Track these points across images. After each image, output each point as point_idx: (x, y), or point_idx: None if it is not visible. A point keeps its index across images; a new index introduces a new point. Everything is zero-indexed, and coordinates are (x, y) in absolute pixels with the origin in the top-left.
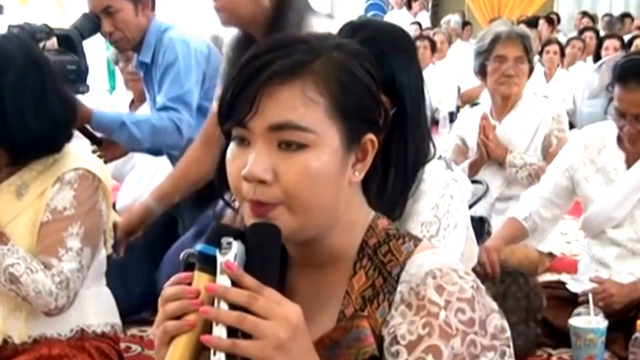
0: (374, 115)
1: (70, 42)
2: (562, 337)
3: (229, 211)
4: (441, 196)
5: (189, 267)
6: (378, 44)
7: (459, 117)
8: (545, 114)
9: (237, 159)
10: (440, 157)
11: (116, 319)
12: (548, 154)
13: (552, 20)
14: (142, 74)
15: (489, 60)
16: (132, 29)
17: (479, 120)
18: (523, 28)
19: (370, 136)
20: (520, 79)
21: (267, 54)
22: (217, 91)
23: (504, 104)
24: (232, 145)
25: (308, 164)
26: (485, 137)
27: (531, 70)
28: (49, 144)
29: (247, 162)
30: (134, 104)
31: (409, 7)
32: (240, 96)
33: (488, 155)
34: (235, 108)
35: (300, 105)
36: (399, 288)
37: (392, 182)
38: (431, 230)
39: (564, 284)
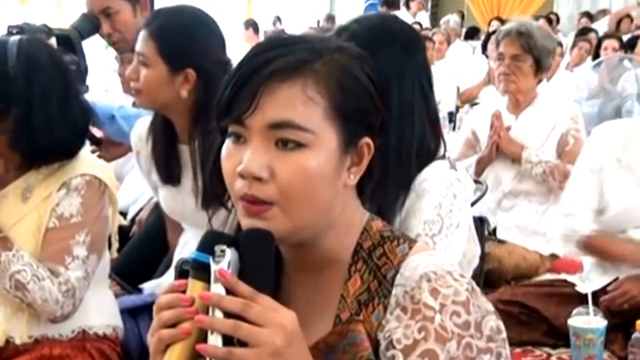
0: (372, 119)
1: (69, 43)
2: (561, 336)
3: None
4: (444, 195)
5: (183, 274)
6: (366, 36)
7: (472, 111)
8: (562, 113)
9: (232, 157)
10: (444, 157)
11: (118, 321)
12: (564, 152)
13: (551, 21)
14: None
15: (496, 58)
16: (131, 30)
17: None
18: (532, 26)
19: (367, 140)
20: (518, 77)
21: (268, 52)
22: None
23: (515, 100)
24: (228, 143)
25: (305, 164)
26: (497, 136)
27: (539, 68)
28: (67, 150)
29: (242, 160)
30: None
31: (407, 7)
32: (240, 92)
33: (497, 152)
34: (234, 104)
35: (300, 104)
36: (394, 291)
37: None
38: (434, 228)
39: (567, 282)
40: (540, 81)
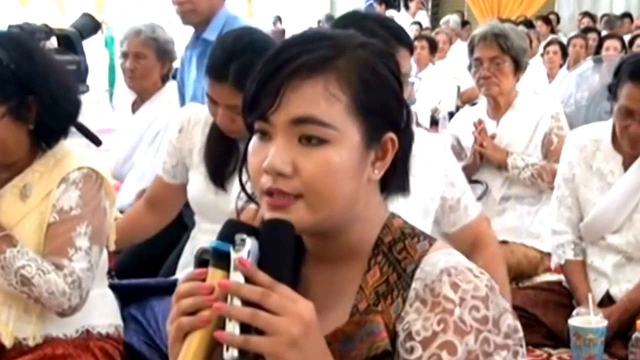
0: (395, 114)
1: (69, 42)
2: (561, 340)
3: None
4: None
5: (202, 263)
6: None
7: (454, 117)
8: (543, 112)
9: (258, 153)
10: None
11: (119, 320)
12: (549, 152)
13: (550, 21)
14: (199, 51)
15: (472, 64)
16: (204, 4)
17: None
18: (505, 27)
19: (391, 135)
20: (499, 78)
21: (292, 48)
22: None
23: (496, 103)
24: (254, 139)
25: (328, 159)
26: (480, 145)
27: (518, 68)
28: (72, 122)
29: (267, 156)
30: (136, 105)
31: (406, 7)
32: (264, 89)
33: (481, 160)
34: (259, 101)
35: (323, 100)
36: (413, 285)
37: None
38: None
39: (565, 287)
40: (518, 80)
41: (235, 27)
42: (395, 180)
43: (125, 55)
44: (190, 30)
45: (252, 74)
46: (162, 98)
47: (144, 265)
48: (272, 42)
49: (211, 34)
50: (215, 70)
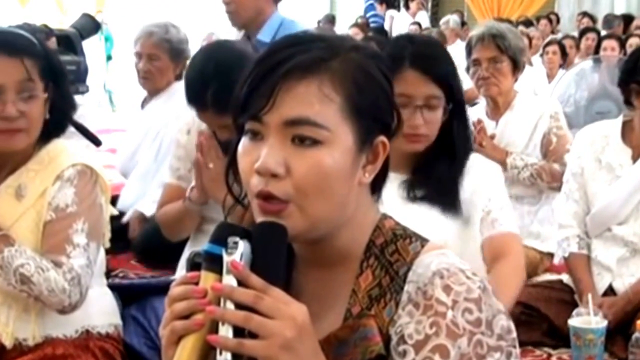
0: (387, 117)
1: (69, 42)
2: (562, 337)
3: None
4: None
5: (195, 266)
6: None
7: None
8: (542, 111)
9: (249, 153)
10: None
11: (118, 320)
12: (548, 152)
13: (551, 21)
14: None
15: (470, 65)
16: (248, 6)
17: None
18: (502, 27)
19: (382, 138)
20: (498, 78)
21: (286, 49)
22: None
23: (495, 104)
24: (245, 140)
25: (320, 160)
26: (479, 145)
27: (516, 67)
28: (67, 124)
29: (259, 156)
30: (146, 101)
31: (407, 7)
32: (257, 90)
33: None
34: (251, 101)
35: (316, 101)
36: (406, 287)
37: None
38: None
39: (566, 285)
40: (516, 80)
41: (291, 30)
42: (440, 197)
43: (138, 56)
44: (193, 28)
45: (230, 91)
46: (168, 95)
47: (165, 251)
48: (242, 53)
49: (265, 36)
50: (193, 99)
